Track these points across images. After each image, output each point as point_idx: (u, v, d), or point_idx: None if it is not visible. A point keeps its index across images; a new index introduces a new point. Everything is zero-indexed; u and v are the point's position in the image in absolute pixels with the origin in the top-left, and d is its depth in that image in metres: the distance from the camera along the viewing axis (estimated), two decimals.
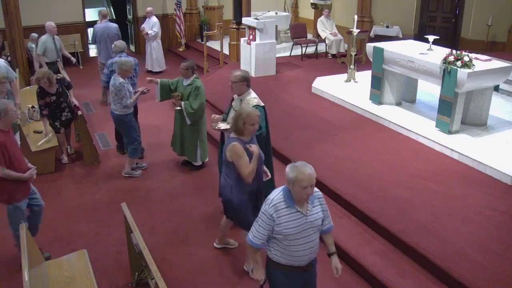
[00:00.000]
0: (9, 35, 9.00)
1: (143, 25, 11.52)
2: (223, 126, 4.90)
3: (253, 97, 4.94)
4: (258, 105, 4.88)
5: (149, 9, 11.41)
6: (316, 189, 3.19)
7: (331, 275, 4.52)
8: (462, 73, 6.16)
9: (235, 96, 5.03)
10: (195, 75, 6.30)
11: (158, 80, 6.38)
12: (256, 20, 9.81)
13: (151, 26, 11.25)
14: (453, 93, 6.35)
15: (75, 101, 6.98)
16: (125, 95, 6.20)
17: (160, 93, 6.40)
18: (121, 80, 6.17)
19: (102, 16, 9.80)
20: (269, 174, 4.54)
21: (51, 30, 8.76)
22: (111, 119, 6.49)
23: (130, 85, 6.39)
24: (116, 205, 5.06)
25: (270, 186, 5.14)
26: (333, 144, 6.63)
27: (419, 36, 10.74)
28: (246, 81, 4.89)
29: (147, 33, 11.25)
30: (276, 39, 11.02)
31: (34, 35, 10.44)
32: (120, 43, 7.55)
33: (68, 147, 7.18)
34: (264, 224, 3.16)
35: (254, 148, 4.05)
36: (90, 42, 10.26)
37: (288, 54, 11.66)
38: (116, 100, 6.23)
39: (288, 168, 3.08)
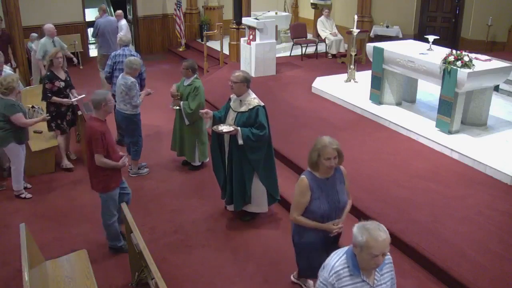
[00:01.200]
0: (9, 35, 9.00)
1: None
2: (225, 128, 4.88)
3: (253, 98, 4.95)
4: (259, 105, 4.91)
5: (118, 12, 11.16)
6: None
7: None
8: (462, 73, 6.16)
9: (233, 96, 5.03)
10: (195, 75, 6.32)
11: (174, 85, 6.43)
12: (256, 20, 9.81)
13: (120, 29, 10.69)
14: (453, 93, 6.35)
15: (78, 96, 6.84)
16: (136, 94, 6.19)
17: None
18: (133, 79, 6.16)
19: (102, 11, 10.27)
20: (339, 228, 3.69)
21: (50, 32, 8.47)
22: (111, 119, 6.41)
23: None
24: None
25: (270, 182, 5.18)
26: None
27: (419, 36, 10.73)
28: (247, 82, 4.89)
29: None
30: (276, 39, 11.01)
31: (34, 35, 10.43)
32: (126, 37, 7.62)
33: (70, 153, 6.98)
34: None
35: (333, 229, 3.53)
36: (92, 35, 10.36)
37: (288, 54, 11.66)
38: (127, 99, 6.20)
39: (356, 229, 2.53)
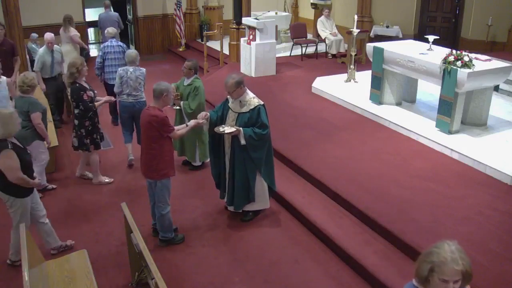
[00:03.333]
0: (9, 35, 8.98)
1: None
2: (227, 129, 4.88)
3: (252, 97, 5.00)
4: (260, 104, 4.96)
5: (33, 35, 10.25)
6: None
7: (331, 275, 4.54)
8: (462, 73, 6.16)
9: (231, 97, 5.05)
10: (196, 75, 6.33)
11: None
12: (256, 20, 9.81)
13: None
14: (453, 93, 6.35)
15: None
16: None
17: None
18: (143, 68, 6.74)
19: (105, 6, 11.20)
20: None
21: (48, 42, 7.80)
22: (111, 119, 6.46)
23: None
24: (116, 205, 5.07)
25: (270, 177, 5.26)
26: (333, 144, 6.63)
27: (419, 36, 10.73)
28: (240, 85, 4.92)
29: None
30: (276, 39, 11.01)
31: (34, 35, 10.44)
32: (112, 29, 8.24)
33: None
34: None
35: None
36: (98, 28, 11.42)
37: (288, 54, 11.66)
38: (142, 88, 6.71)
39: None
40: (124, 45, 8.11)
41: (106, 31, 8.27)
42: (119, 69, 6.80)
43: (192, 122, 4.98)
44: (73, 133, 6.10)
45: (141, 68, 6.70)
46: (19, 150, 4.35)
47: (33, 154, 5.79)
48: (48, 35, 7.87)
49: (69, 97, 6.14)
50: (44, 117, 5.74)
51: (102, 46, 8.12)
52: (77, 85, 5.88)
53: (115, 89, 6.79)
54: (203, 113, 5.06)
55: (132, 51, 6.84)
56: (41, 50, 8.00)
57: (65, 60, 8.08)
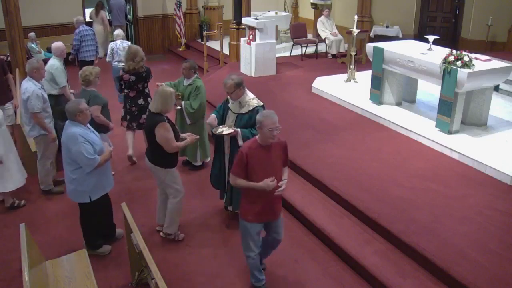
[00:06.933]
0: (9, 35, 8.98)
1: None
2: (225, 130, 4.88)
3: (251, 98, 4.97)
4: (259, 105, 4.93)
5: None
6: None
7: (331, 275, 4.55)
8: (462, 73, 6.16)
9: (230, 98, 5.05)
10: (196, 75, 6.34)
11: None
12: (256, 20, 9.81)
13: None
14: (453, 93, 6.35)
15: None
16: None
17: None
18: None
19: None
20: None
21: (60, 53, 6.65)
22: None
23: None
24: (116, 205, 5.07)
25: None
26: (333, 144, 6.63)
27: (419, 36, 10.74)
28: (240, 86, 4.90)
29: None
30: (276, 39, 11.02)
31: (32, 34, 10.45)
32: (80, 17, 10.04)
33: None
34: None
35: None
36: (108, 12, 12.84)
37: (288, 54, 11.66)
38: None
39: None
40: (93, 29, 10.05)
41: (76, 19, 9.68)
42: (111, 43, 8.78)
43: (262, 184, 3.86)
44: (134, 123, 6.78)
45: (127, 41, 8.43)
46: (170, 123, 4.74)
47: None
48: (60, 44, 6.74)
49: (141, 81, 6.64)
50: (105, 109, 5.97)
51: (77, 31, 9.53)
52: (144, 74, 6.59)
53: (108, 58, 8.77)
54: (212, 118, 5.05)
55: (119, 30, 9.02)
56: (57, 64, 6.60)
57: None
